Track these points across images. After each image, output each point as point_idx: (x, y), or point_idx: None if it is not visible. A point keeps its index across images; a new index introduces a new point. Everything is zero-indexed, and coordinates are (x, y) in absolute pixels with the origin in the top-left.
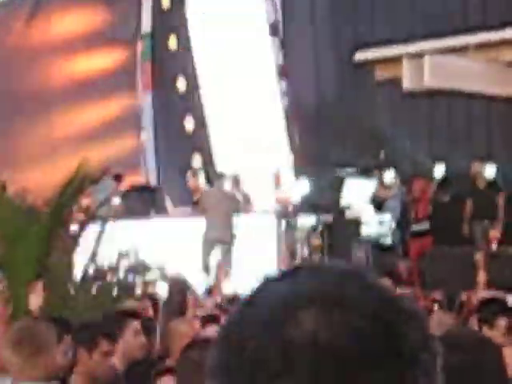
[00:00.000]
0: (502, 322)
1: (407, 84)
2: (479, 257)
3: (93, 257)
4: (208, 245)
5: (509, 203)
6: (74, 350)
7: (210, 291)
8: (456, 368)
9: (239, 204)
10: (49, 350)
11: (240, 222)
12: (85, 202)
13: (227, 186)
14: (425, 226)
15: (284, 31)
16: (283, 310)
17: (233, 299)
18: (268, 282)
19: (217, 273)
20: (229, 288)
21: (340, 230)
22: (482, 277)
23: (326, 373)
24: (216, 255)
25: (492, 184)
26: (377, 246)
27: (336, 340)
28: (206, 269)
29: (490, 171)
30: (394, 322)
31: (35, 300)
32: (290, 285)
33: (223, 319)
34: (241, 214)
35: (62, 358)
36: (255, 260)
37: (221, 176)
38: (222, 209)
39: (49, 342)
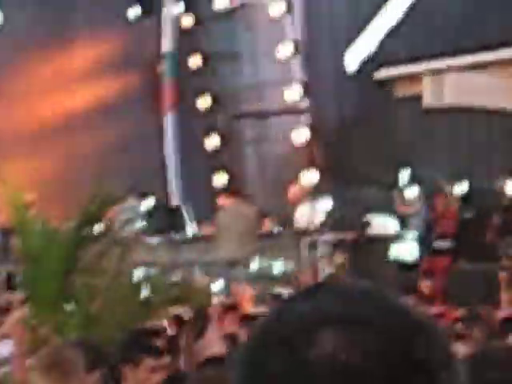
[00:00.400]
0: None
1: (428, 101)
2: (503, 275)
3: (117, 276)
4: (224, 264)
5: None
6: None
7: (228, 309)
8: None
9: (255, 222)
10: (76, 375)
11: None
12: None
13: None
14: (449, 242)
15: (308, 50)
16: (303, 330)
17: (254, 318)
18: (289, 302)
19: (235, 292)
20: (249, 307)
21: (364, 247)
22: (505, 295)
23: None
24: (234, 274)
25: None
26: (401, 263)
27: (353, 360)
28: (224, 288)
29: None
30: (412, 341)
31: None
32: (309, 305)
33: (243, 337)
34: (260, 231)
35: None
36: (276, 278)
37: (240, 194)
38: (237, 228)
39: (77, 367)
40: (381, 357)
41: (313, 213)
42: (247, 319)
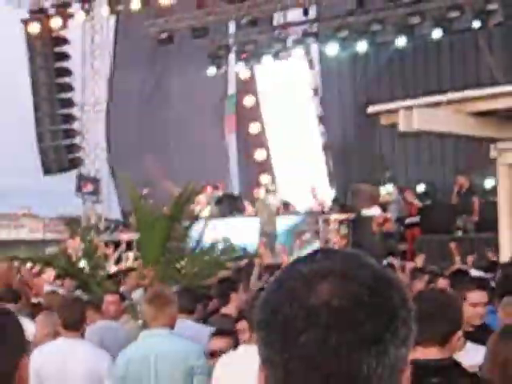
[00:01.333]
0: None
1: (402, 128)
2: (453, 244)
3: (198, 243)
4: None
5: (480, 206)
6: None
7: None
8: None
9: (276, 208)
10: (172, 306)
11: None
12: (196, 207)
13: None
14: (416, 219)
15: (322, 93)
16: (306, 283)
17: (274, 268)
18: (296, 262)
19: (259, 246)
20: (269, 259)
21: (359, 223)
22: (457, 258)
23: (336, 326)
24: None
25: (470, 191)
26: (383, 233)
27: (342, 304)
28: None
29: (466, 183)
30: (381, 289)
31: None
32: (310, 264)
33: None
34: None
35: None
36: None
37: (272, 191)
38: (265, 212)
39: (172, 300)
40: (361, 301)
41: (324, 200)
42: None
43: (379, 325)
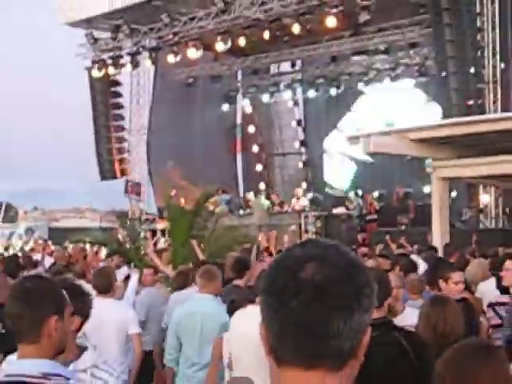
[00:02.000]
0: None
1: (363, 150)
2: (387, 237)
3: (213, 231)
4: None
5: (416, 207)
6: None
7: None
8: None
9: (267, 208)
10: (216, 279)
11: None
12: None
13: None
14: (374, 216)
15: (304, 123)
16: (297, 263)
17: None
18: (292, 247)
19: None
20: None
21: (331, 220)
22: (392, 246)
23: (317, 296)
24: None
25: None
26: (349, 227)
27: (322, 280)
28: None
29: (401, 191)
30: (351, 271)
31: (198, 251)
32: (301, 250)
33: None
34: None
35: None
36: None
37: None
38: (257, 210)
39: (217, 275)
40: (336, 278)
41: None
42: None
43: (348, 297)
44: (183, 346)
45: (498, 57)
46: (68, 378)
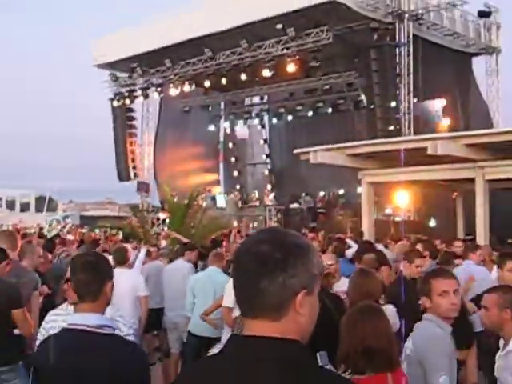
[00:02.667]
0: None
1: (312, 161)
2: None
3: (201, 220)
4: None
5: (342, 206)
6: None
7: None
8: None
9: (237, 203)
10: (219, 258)
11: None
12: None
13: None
14: (323, 210)
15: (269, 141)
16: (254, 243)
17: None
18: (254, 233)
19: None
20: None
21: (288, 212)
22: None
23: (261, 263)
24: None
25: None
26: (301, 217)
27: (260, 255)
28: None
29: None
30: (290, 247)
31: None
32: (258, 235)
33: None
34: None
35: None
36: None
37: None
38: (229, 204)
39: (221, 256)
40: (268, 253)
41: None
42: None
43: (274, 266)
44: (196, 299)
45: (411, 95)
46: (114, 328)
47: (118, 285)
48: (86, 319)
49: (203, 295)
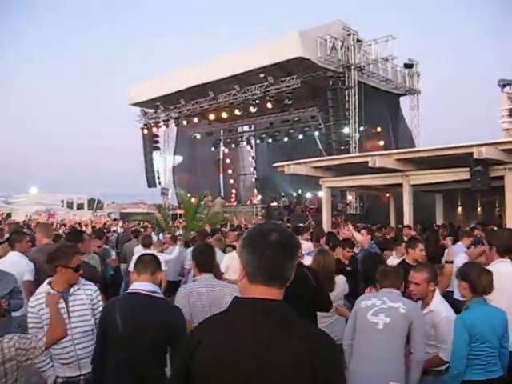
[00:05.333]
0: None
1: (286, 171)
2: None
3: (207, 214)
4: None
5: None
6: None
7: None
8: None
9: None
10: (219, 243)
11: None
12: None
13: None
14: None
15: (255, 158)
16: (267, 231)
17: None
18: (261, 223)
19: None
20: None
21: (269, 209)
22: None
23: (275, 249)
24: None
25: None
26: (279, 213)
27: (281, 242)
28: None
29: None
30: (291, 238)
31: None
32: (263, 225)
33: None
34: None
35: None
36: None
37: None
38: (216, 205)
39: (221, 242)
40: (285, 242)
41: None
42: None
43: (291, 251)
44: None
45: (357, 124)
46: (160, 294)
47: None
48: (143, 286)
49: None
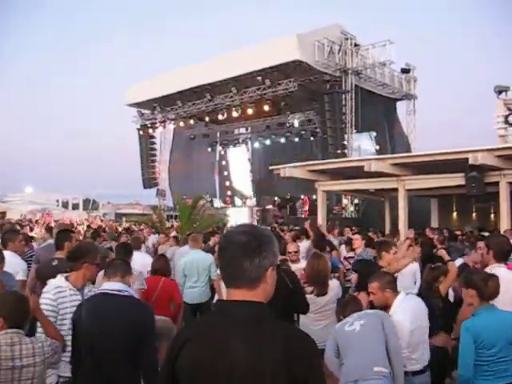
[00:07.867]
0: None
1: (282, 175)
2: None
3: (202, 215)
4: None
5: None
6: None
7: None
8: None
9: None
10: (200, 241)
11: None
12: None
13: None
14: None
15: (251, 161)
16: (232, 234)
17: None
18: (234, 227)
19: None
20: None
21: (264, 211)
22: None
23: (239, 249)
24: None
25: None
26: (273, 215)
27: (238, 240)
28: None
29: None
30: (257, 238)
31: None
32: (238, 228)
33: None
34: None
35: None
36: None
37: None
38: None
39: (200, 239)
40: (247, 241)
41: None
42: None
43: (252, 250)
44: (187, 278)
45: (353, 128)
46: (128, 292)
47: (134, 262)
48: (112, 286)
49: (191, 274)
